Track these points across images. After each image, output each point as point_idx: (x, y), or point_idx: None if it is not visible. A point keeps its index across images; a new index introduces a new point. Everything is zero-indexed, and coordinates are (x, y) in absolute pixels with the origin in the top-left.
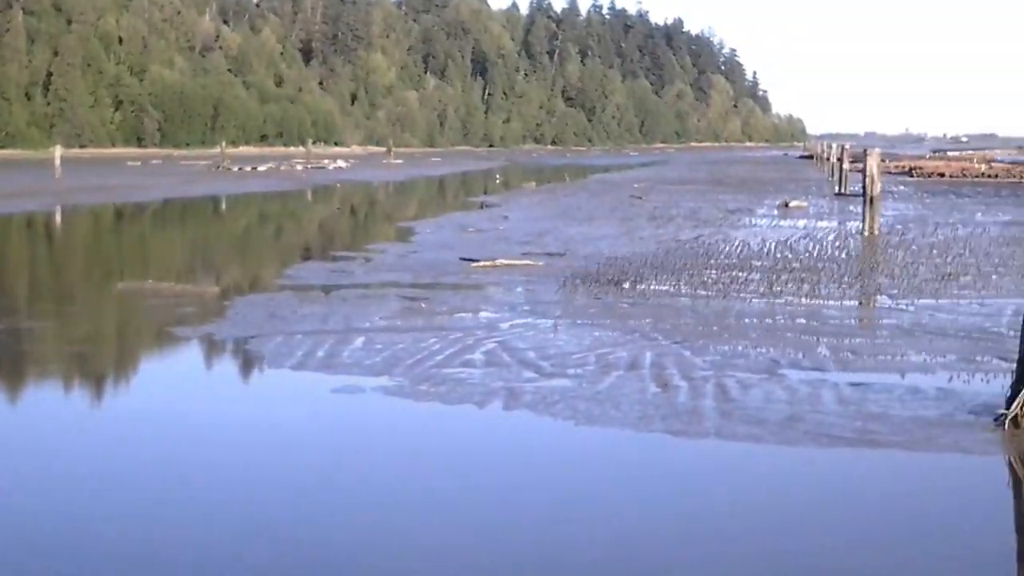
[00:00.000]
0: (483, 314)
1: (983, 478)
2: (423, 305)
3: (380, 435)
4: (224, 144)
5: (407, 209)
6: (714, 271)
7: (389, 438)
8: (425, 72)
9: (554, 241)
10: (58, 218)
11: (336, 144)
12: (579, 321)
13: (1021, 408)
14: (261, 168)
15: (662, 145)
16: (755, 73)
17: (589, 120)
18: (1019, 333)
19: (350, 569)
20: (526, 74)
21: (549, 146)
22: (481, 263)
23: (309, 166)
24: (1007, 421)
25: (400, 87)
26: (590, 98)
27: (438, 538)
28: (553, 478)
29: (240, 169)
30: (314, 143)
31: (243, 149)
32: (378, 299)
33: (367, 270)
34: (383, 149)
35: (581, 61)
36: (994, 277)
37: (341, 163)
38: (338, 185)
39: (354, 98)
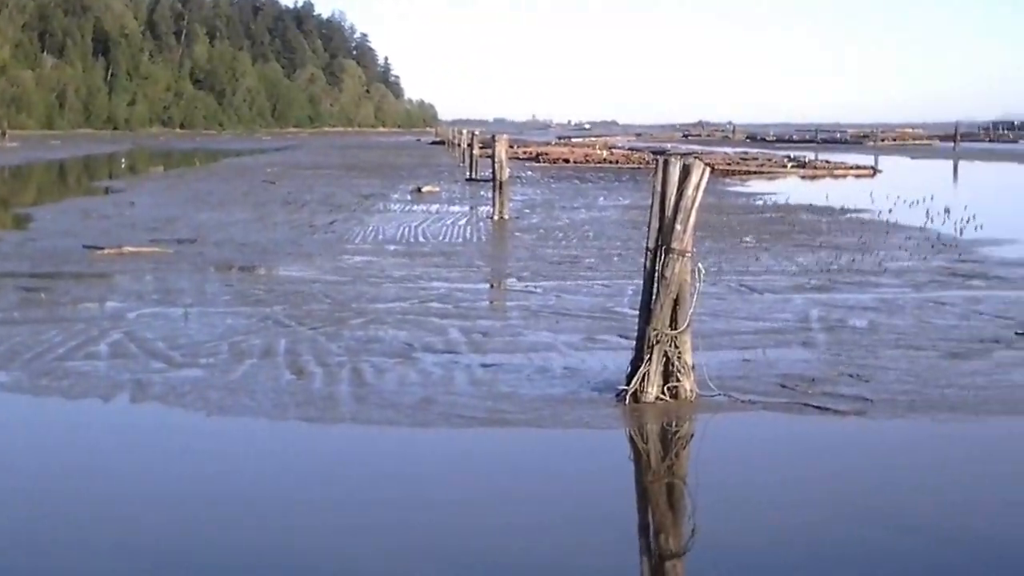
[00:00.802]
0: (109, 304)
1: (607, 452)
2: (43, 296)
3: None
4: None
5: (24, 195)
6: (349, 256)
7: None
8: (42, 51)
9: (184, 227)
10: None
11: None
12: (211, 309)
13: (640, 384)
14: None
15: (295, 130)
16: (387, 58)
17: (219, 103)
18: (638, 311)
19: None
20: (151, 55)
21: (178, 130)
22: (106, 251)
23: None
24: (627, 396)
25: (14, 66)
26: (220, 81)
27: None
28: (184, 471)
29: None
30: None
31: None
32: None
33: None
34: None
35: (210, 43)
36: (616, 259)
37: None
38: None
39: None
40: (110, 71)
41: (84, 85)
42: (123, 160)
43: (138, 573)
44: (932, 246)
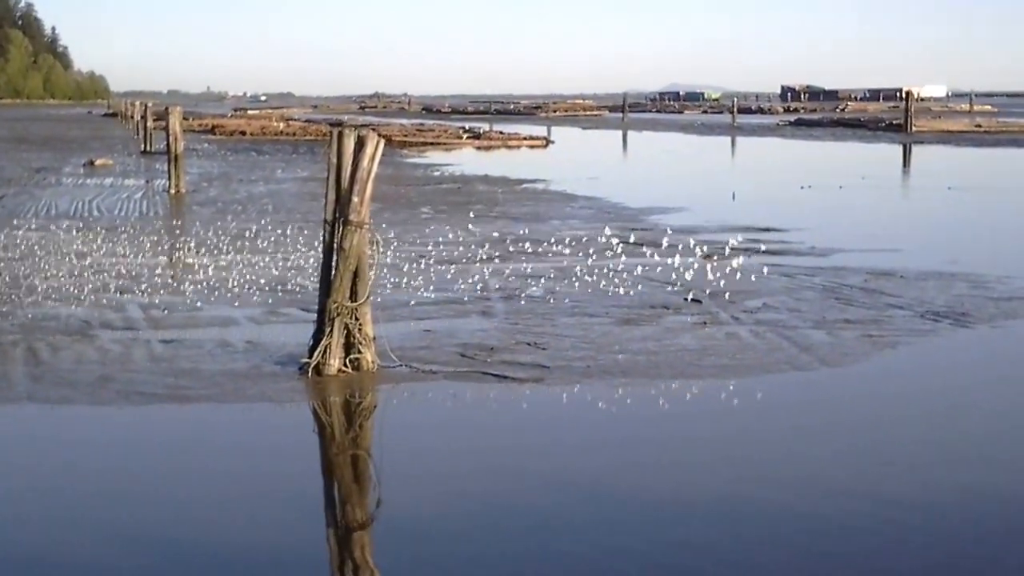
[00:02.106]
0: None
1: (291, 425)
2: None
3: None
4: None
5: None
6: (21, 231)
7: None
8: None
9: None
10: None
11: None
12: None
13: (322, 356)
14: None
15: None
16: (54, 28)
17: None
18: (318, 285)
19: None
20: None
21: None
22: None
23: None
24: (310, 369)
25: None
26: None
27: None
28: None
29: None
30: None
31: None
32: None
33: None
34: None
35: None
36: (295, 232)
37: None
38: None
39: None
40: None
41: None
42: None
43: None
44: (605, 215)
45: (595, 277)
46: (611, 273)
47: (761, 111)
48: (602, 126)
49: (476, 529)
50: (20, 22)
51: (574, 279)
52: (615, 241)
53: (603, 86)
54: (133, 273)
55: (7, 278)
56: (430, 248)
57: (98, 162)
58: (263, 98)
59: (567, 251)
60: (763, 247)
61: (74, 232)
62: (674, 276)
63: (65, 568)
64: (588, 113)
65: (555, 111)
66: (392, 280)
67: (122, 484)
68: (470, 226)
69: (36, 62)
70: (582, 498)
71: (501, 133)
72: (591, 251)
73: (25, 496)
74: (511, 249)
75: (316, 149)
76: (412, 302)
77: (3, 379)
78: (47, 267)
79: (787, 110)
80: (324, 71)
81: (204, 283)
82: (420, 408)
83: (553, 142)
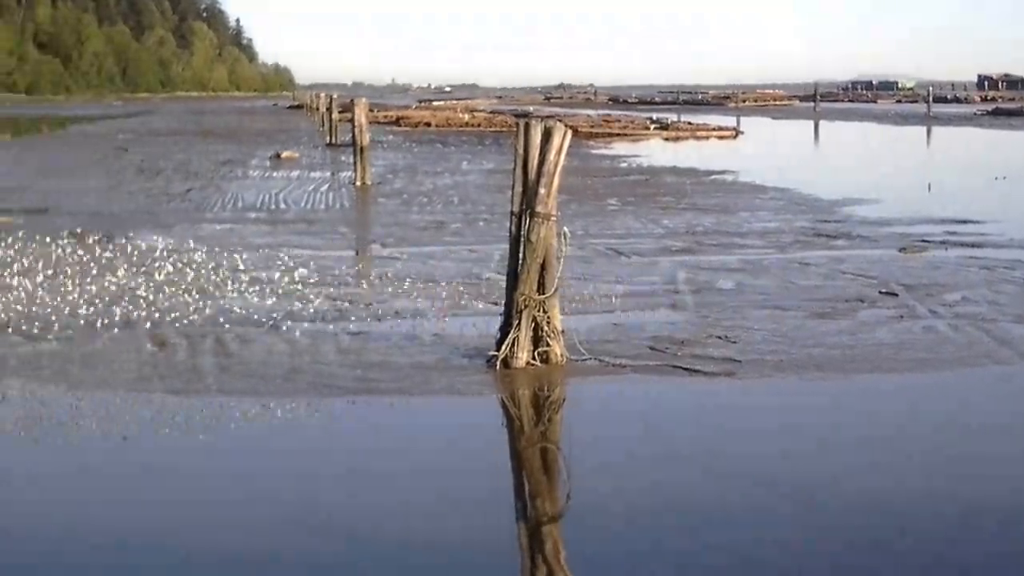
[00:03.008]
0: None
1: (479, 418)
2: None
3: None
4: None
5: None
6: (208, 224)
7: None
8: None
9: (33, 196)
10: None
11: None
12: (66, 280)
13: (510, 349)
14: None
15: (147, 95)
16: (239, 21)
17: (66, 67)
18: (506, 277)
19: None
20: None
21: (23, 95)
22: None
23: None
24: (498, 362)
25: None
26: (65, 44)
27: None
28: (46, 446)
29: None
30: None
31: None
32: None
33: None
34: None
35: (52, 4)
36: (481, 224)
37: None
38: None
39: None
40: None
41: None
42: None
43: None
44: (796, 206)
45: (786, 270)
46: (803, 266)
47: (957, 100)
48: (792, 116)
49: (666, 526)
50: (205, 15)
51: (765, 272)
52: (806, 233)
53: (792, 75)
54: (319, 265)
55: (195, 270)
56: (617, 240)
57: (284, 155)
58: (447, 89)
59: (757, 243)
60: (960, 239)
61: (261, 224)
62: (868, 269)
63: (266, 557)
64: (778, 103)
65: (744, 101)
66: (580, 272)
67: (312, 477)
68: (658, 218)
69: (221, 55)
70: (777, 496)
71: (689, 124)
72: (781, 243)
73: (223, 487)
74: (700, 241)
75: (501, 141)
76: (600, 294)
77: (193, 371)
78: (233, 259)
79: (984, 99)
80: (509, 62)
81: (390, 275)
82: (610, 402)
83: (742, 133)
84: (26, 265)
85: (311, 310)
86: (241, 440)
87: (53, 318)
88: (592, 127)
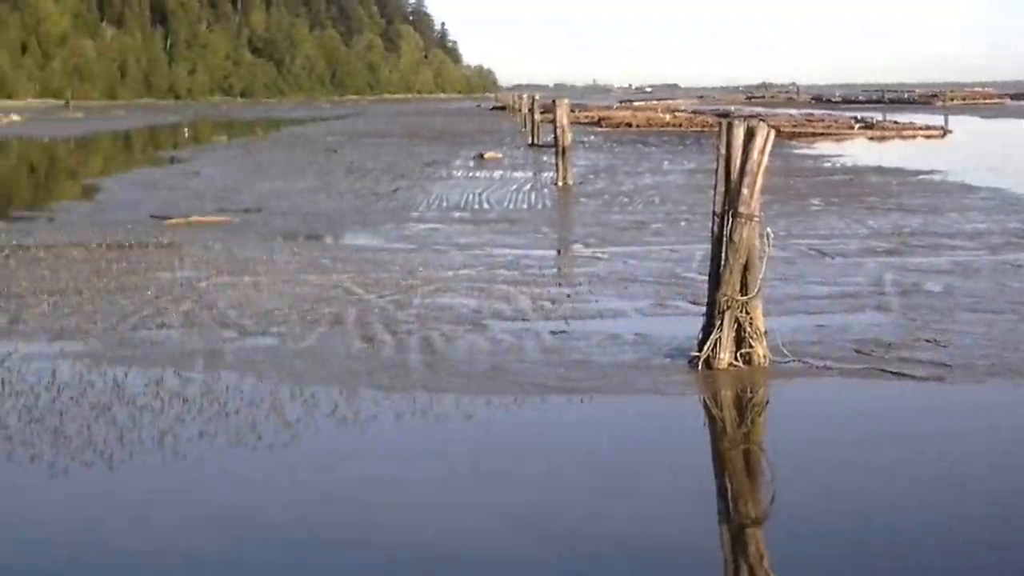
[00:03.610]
0: (178, 273)
1: (682, 418)
2: (113, 266)
3: (77, 398)
4: None
5: (92, 165)
6: (414, 223)
7: (86, 402)
8: (101, 21)
9: (249, 196)
10: None
11: (8, 97)
12: (280, 277)
13: (712, 349)
14: None
15: (355, 97)
16: (444, 24)
17: (279, 71)
18: (708, 277)
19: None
20: (209, 24)
21: (239, 99)
22: (174, 220)
23: None
24: (700, 363)
25: (75, 36)
26: (278, 49)
27: (155, 496)
28: (259, 438)
29: None
30: None
31: None
32: (64, 260)
33: (51, 229)
34: (61, 102)
35: (266, 10)
36: (683, 224)
37: (15, 117)
38: (14, 141)
39: (25, 48)
40: (168, 40)
41: (144, 55)
42: (186, 130)
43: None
44: (1009, 207)
45: (998, 272)
46: (1016, 268)
47: None
48: (1004, 115)
49: (871, 531)
50: (411, 18)
51: (976, 274)
52: (1019, 234)
53: (1002, 74)
54: (522, 264)
55: (403, 269)
56: (821, 241)
57: (487, 155)
58: (648, 89)
59: (967, 244)
60: None
61: (465, 224)
62: None
63: (465, 553)
64: (988, 101)
65: (952, 100)
66: (782, 273)
67: (512, 475)
68: (863, 218)
69: (427, 57)
70: (988, 507)
71: (895, 123)
72: (993, 244)
73: (444, 486)
74: (906, 242)
75: (703, 141)
76: (804, 296)
77: (400, 367)
78: (439, 258)
79: None
80: (709, 62)
81: (592, 274)
82: (814, 404)
83: (951, 132)
84: (241, 263)
85: (514, 309)
86: (450, 438)
87: (268, 314)
88: (794, 127)
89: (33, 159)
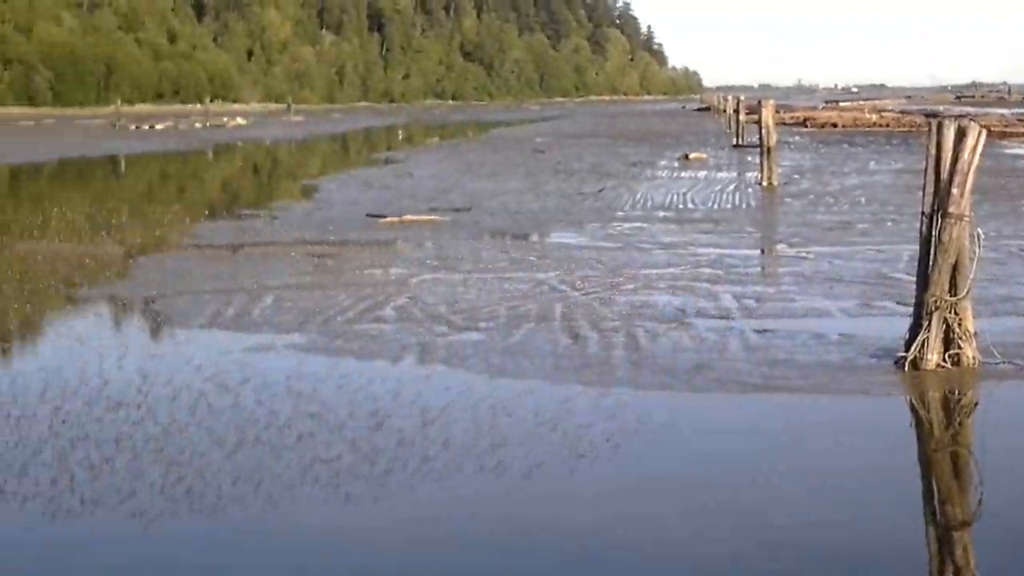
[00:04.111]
0: (392, 269)
1: (888, 419)
2: (330, 262)
3: (296, 392)
4: (120, 102)
5: (310, 166)
6: (618, 223)
7: (305, 395)
8: (321, 28)
9: (459, 196)
10: None
11: (234, 101)
12: (488, 275)
13: (919, 350)
14: (159, 126)
15: (562, 99)
16: (650, 27)
17: (488, 75)
18: (915, 277)
19: (264, 524)
20: (423, 29)
21: (450, 101)
22: (388, 219)
23: (208, 124)
24: (907, 363)
25: (296, 43)
26: (488, 53)
27: (354, 488)
28: (468, 432)
29: (137, 127)
30: (211, 100)
31: (139, 107)
32: (285, 257)
33: (273, 228)
34: (282, 106)
35: (477, 16)
36: (889, 224)
37: (240, 120)
38: (240, 143)
39: (250, 54)
40: (384, 46)
41: (361, 60)
42: (400, 132)
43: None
44: None
45: None
46: None
47: None
48: None
49: None
50: (618, 21)
51: None
52: None
53: None
54: (726, 263)
55: (608, 267)
56: None
57: (692, 156)
58: (854, 90)
59: None
60: None
61: (669, 223)
62: None
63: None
64: None
65: None
66: (993, 274)
67: (715, 472)
68: None
69: (632, 59)
70: None
71: None
72: None
73: (638, 479)
74: None
75: (910, 141)
76: (1015, 297)
77: (605, 364)
78: (643, 257)
79: None
80: (916, 61)
81: (796, 274)
82: None
83: None
84: (451, 261)
85: (718, 307)
86: (654, 436)
87: (476, 311)
88: (1006, 126)
89: (256, 161)
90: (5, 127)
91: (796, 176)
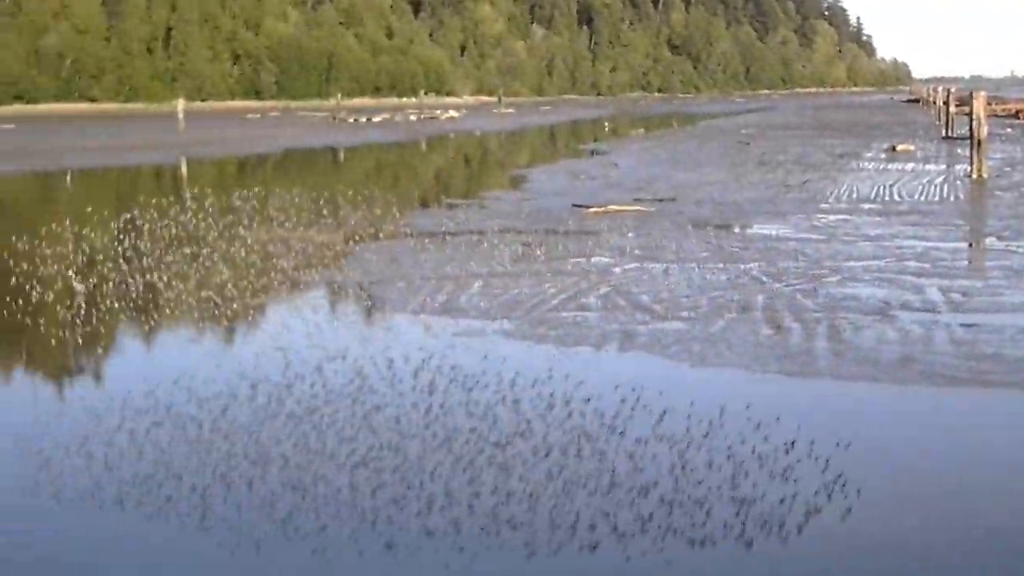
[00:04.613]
0: (596, 259)
1: None
2: (539, 251)
3: (506, 376)
4: (340, 96)
5: (519, 157)
6: (823, 215)
7: (514, 379)
8: (532, 23)
9: (664, 187)
10: (184, 169)
11: (447, 94)
12: (690, 264)
13: None
14: (376, 119)
15: (767, 91)
16: (859, 18)
17: (695, 67)
18: None
19: (472, 502)
20: (631, 23)
21: (656, 94)
22: (593, 209)
23: (422, 116)
24: None
25: (508, 37)
26: (695, 46)
27: (562, 471)
28: (672, 419)
29: (356, 120)
30: (426, 94)
31: (357, 101)
32: (494, 245)
33: (483, 217)
34: (493, 98)
35: (685, 9)
36: None
37: (453, 113)
38: (452, 135)
39: (463, 49)
40: (593, 40)
41: (570, 54)
42: (606, 124)
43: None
44: None
45: None
46: None
47: None
48: None
49: None
50: (827, 13)
51: None
52: None
53: None
54: (932, 256)
55: (811, 258)
56: None
57: (899, 147)
58: None
59: None
60: None
61: (874, 216)
62: None
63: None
64: None
65: None
66: None
67: (942, 474)
68: None
69: (840, 52)
70: None
71: None
72: None
73: (851, 467)
74: None
75: None
76: None
77: (807, 355)
78: (847, 249)
79: None
80: None
81: (1006, 268)
82: None
83: None
84: (654, 250)
85: (923, 300)
86: (857, 423)
87: (678, 300)
88: None
89: (468, 152)
90: (234, 120)
91: (1007, 169)
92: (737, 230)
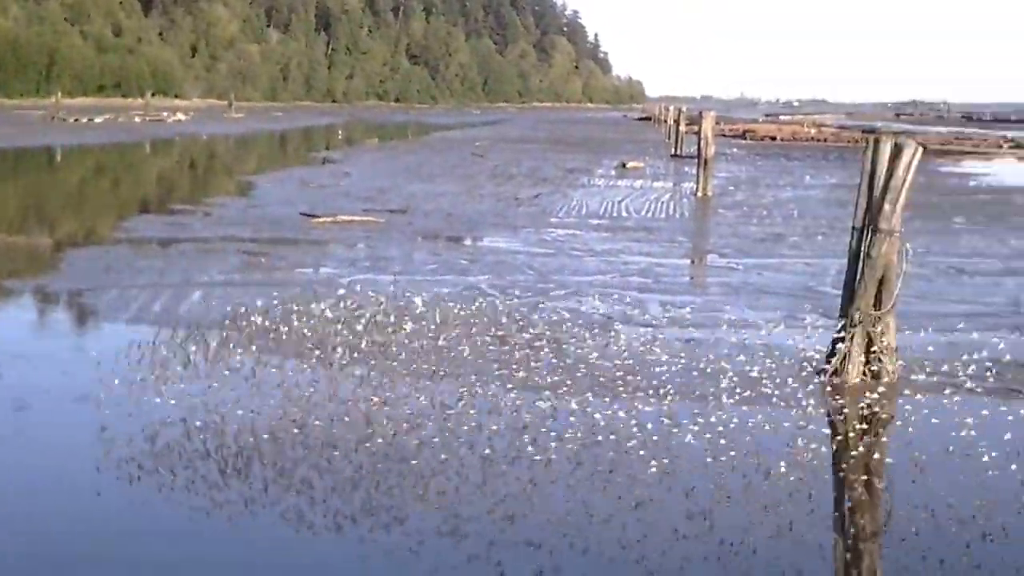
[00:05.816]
0: (323, 269)
1: (805, 429)
2: (263, 260)
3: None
4: (59, 94)
5: (248, 163)
6: (552, 229)
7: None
8: (268, 26)
9: (396, 197)
10: None
11: (176, 96)
12: (418, 277)
13: (840, 363)
14: (98, 119)
15: (505, 104)
16: (596, 35)
17: (433, 78)
18: (842, 290)
19: None
20: (370, 30)
21: (392, 103)
22: (322, 219)
23: (148, 118)
24: (828, 375)
25: (242, 40)
26: (434, 56)
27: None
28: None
29: (76, 120)
30: (153, 95)
31: (80, 100)
32: (217, 253)
33: (206, 224)
34: (224, 103)
35: (426, 19)
36: (819, 238)
37: (180, 116)
38: (178, 138)
39: (195, 50)
40: (330, 46)
41: (306, 59)
42: (340, 132)
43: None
44: None
45: None
46: None
47: None
48: None
49: (987, 554)
50: (565, 29)
51: None
52: None
53: None
54: (656, 272)
55: (538, 274)
56: (960, 259)
57: (630, 164)
58: (796, 104)
59: None
60: None
61: (602, 231)
62: None
63: None
64: None
65: None
66: (919, 290)
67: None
68: (1006, 238)
69: (577, 67)
70: None
71: None
72: None
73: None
74: None
75: (847, 156)
76: (939, 314)
77: (527, 366)
78: (574, 263)
79: None
80: (857, 78)
81: (725, 284)
82: (941, 422)
83: None
84: (382, 262)
85: (645, 315)
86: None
87: (407, 310)
88: (942, 144)
89: (194, 156)
90: None
91: (731, 188)
92: (468, 242)
